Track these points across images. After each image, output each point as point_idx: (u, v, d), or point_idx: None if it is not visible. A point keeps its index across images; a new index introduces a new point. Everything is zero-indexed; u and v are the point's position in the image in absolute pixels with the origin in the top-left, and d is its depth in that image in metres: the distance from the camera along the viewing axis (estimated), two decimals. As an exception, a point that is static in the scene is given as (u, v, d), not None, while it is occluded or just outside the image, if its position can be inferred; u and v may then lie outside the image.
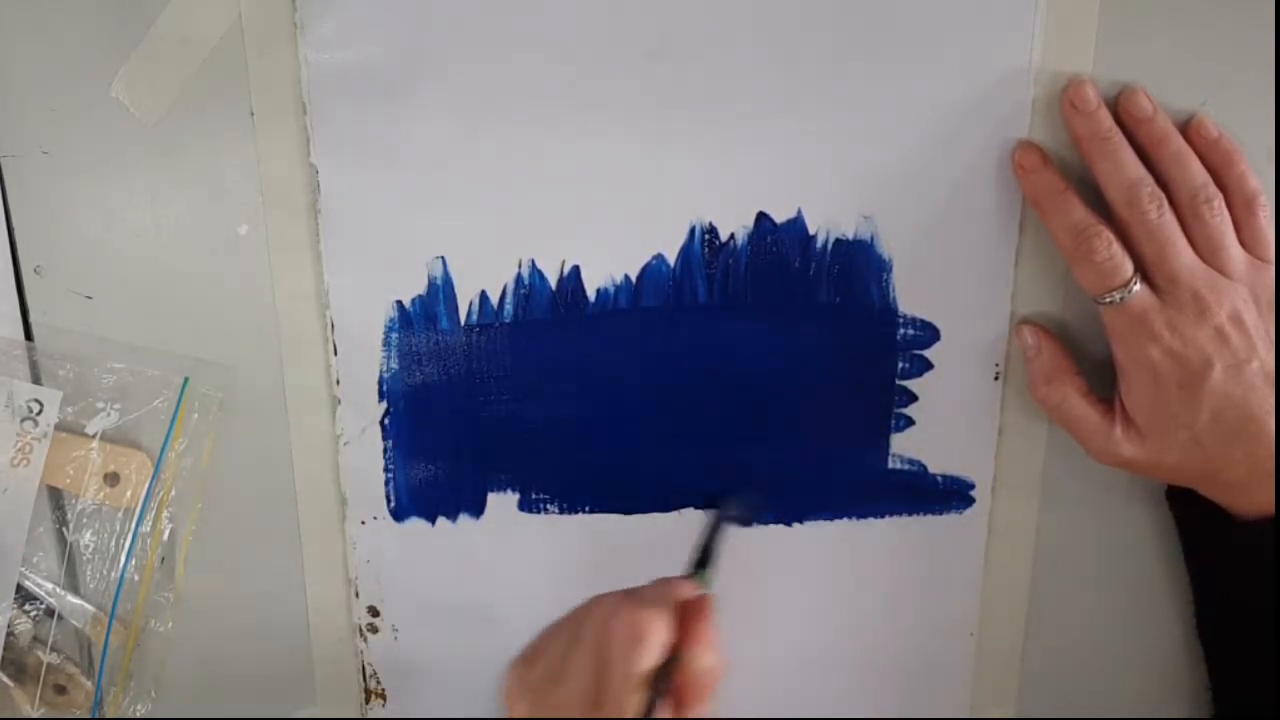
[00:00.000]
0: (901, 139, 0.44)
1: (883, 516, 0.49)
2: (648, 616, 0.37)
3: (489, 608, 0.50)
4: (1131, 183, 0.42)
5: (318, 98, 0.43)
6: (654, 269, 0.46)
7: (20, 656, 0.48)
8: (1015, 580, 0.51)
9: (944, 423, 0.48)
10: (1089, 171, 0.43)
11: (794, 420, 0.48)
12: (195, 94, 0.43)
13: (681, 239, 0.45)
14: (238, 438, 0.47)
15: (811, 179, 0.45)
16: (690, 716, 0.38)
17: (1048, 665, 0.52)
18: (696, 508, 0.49)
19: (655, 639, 0.37)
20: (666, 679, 0.37)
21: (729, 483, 0.48)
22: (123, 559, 0.48)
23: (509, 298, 0.46)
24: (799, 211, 0.45)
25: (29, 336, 0.45)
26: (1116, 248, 0.42)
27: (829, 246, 0.46)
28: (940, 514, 0.49)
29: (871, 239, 0.46)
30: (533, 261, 0.45)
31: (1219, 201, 0.42)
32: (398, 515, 0.48)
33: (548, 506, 0.49)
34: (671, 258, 0.46)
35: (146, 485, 0.47)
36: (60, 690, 0.49)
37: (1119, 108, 0.43)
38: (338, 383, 0.46)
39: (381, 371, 0.46)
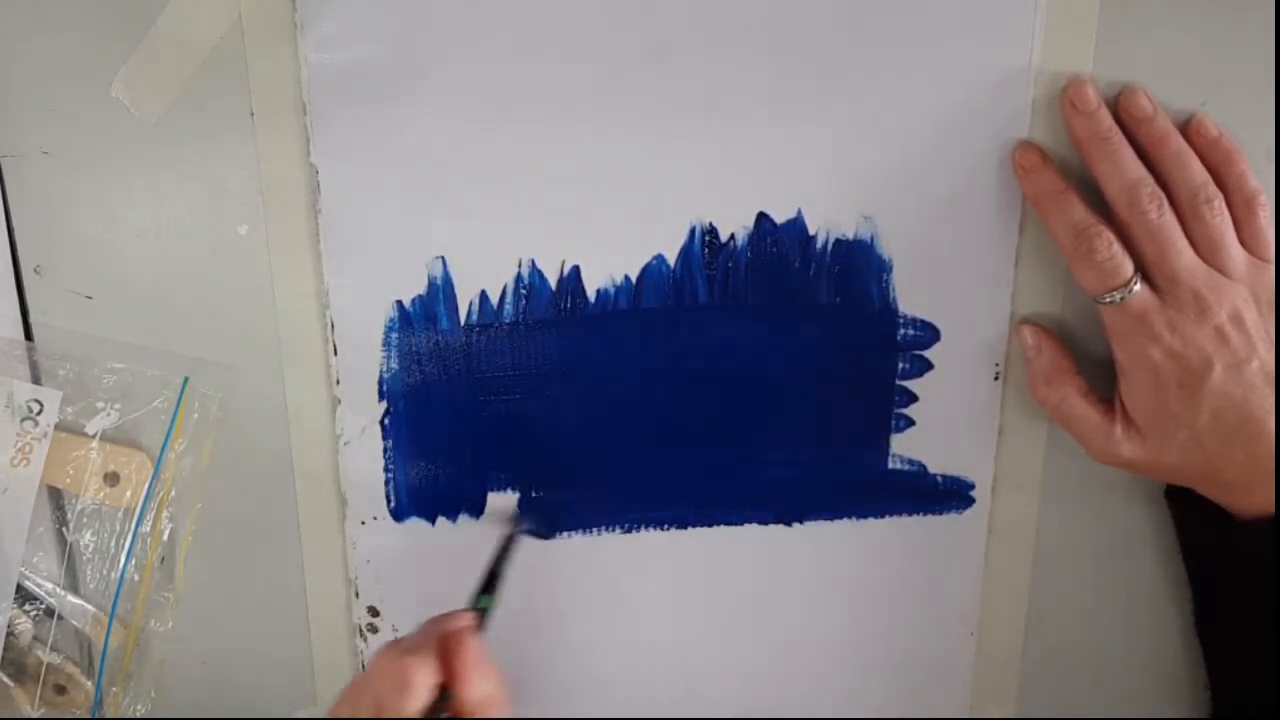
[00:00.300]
0: (901, 139, 0.44)
1: (883, 516, 0.49)
2: (410, 663, 0.38)
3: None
4: (1132, 183, 0.42)
5: (318, 98, 0.43)
6: (654, 269, 0.46)
7: (20, 656, 0.48)
8: (1015, 580, 0.51)
9: (944, 423, 0.48)
10: (1089, 171, 0.43)
11: (794, 420, 0.48)
12: (195, 94, 0.43)
13: (681, 239, 0.45)
14: (238, 438, 0.47)
15: (811, 179, 0.45)
16: None
17: (1048, 665, 0.52)
18: (696, 525, 0.49)
19: (419, 684, 0.38)
20: (440, 715, 0.39)
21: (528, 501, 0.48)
22: (123, 559, 0.48)
23: (509, 298, 0.46)
24: (799, 211, 0.45)
25: (29, 336, 0.45)
26: (1117, 248, 0.42)
27: (829, 246, 0.46)
28: (940, 514, 0.49)
29: (871, 239, 0.46)
30: (533, 261, 0.45)
31: (1219, 201, 0.42)
32: (398, 515, 0.48)
33: (547, 507, 0.49)
34: (671, 258, 0.46)
35: (146, 485, 0.47)
36: (60, 690, 0.49)
37: (1119, 108, 0.43)
38: (338, 383, 0.46)
39: (381, 371, 0.46)
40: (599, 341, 0.46)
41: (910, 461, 0.49)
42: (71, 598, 0.48)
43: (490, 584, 0.44)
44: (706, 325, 0.46)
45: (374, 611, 0.50)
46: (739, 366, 0.47)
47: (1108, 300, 0.42)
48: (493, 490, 0.48)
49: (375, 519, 0.48)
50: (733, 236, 0.45)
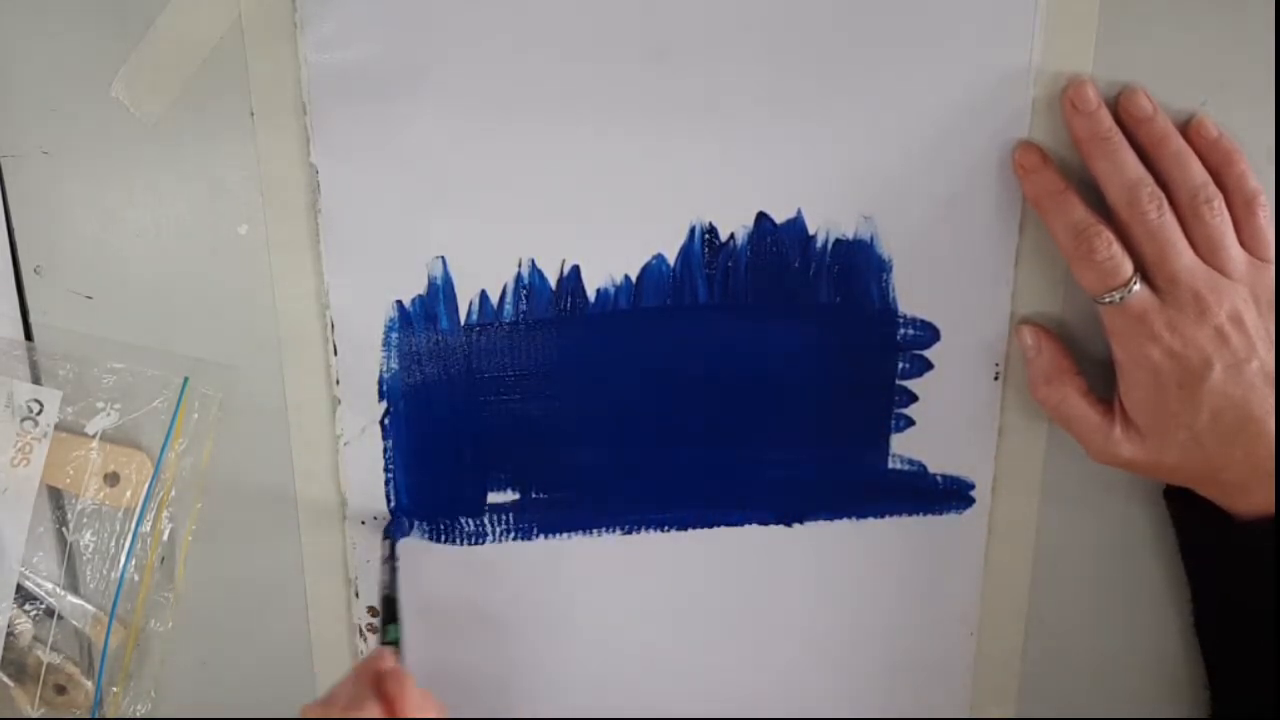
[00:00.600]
0: (901, 139, 0.44)
1: (883, 516, 0.49)
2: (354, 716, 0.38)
3: (489, 607, 0.50)
4: (1131, 183, 0.42)
5: (318, 98, 0.43)
6: (654, 269, 0.46)
7: (20, 656, 0.48)
8: (1015, 580, 0.51)
9: (944, 423, 0.48)
10: (1089, 171, 0.43)
11: (794, 420, 0.48)
12: (195, 94, 0.43)
13: (681, 239, 0.45)
14: (238, 438, 0.47)
15: (811, 179, 0.45)
16: None
17: (1048, 665, 0.52)
18: (696, 526, 0.49)
19: None
20: None
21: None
22: (123, 559, 0.48)
23: (509, 298, 0.46)
24: (799, 211, 0.45)
25: (29, 336, 0.45)
26: (1116, 248, 0.42)
27: (829, 246, 0.46)
28: (940, 514, 0.49)
29: (871, 239, 0.46)
30: (533, 261, 0.45)
31: (1219, 201, 0.42)
32: (397, 515, 0.48)
33: (548, 508, 0.49)
34: (671, 258, 0.46)
35: (146, 485, 0.47)
36: (60, 690, 0.49)
37: (1119, 108, 0.43)
38: (338, 383, 0.46)
39: (381, 371, 0.46)
40: (599, 341, 0.46)
41: (910, 461, 0.49)
42: (71, 598, 0.48)
43: (391, 612, 0.44)
44: (706, 325, 0.46)
45: (374, 611, 0.50)
46: (739, 366, 0.47)
47: (1107, 300, 0.42)
48: (493, 490, 0.48)
49: (375, 519, 0.48)
50: (733, 236, 0.45)
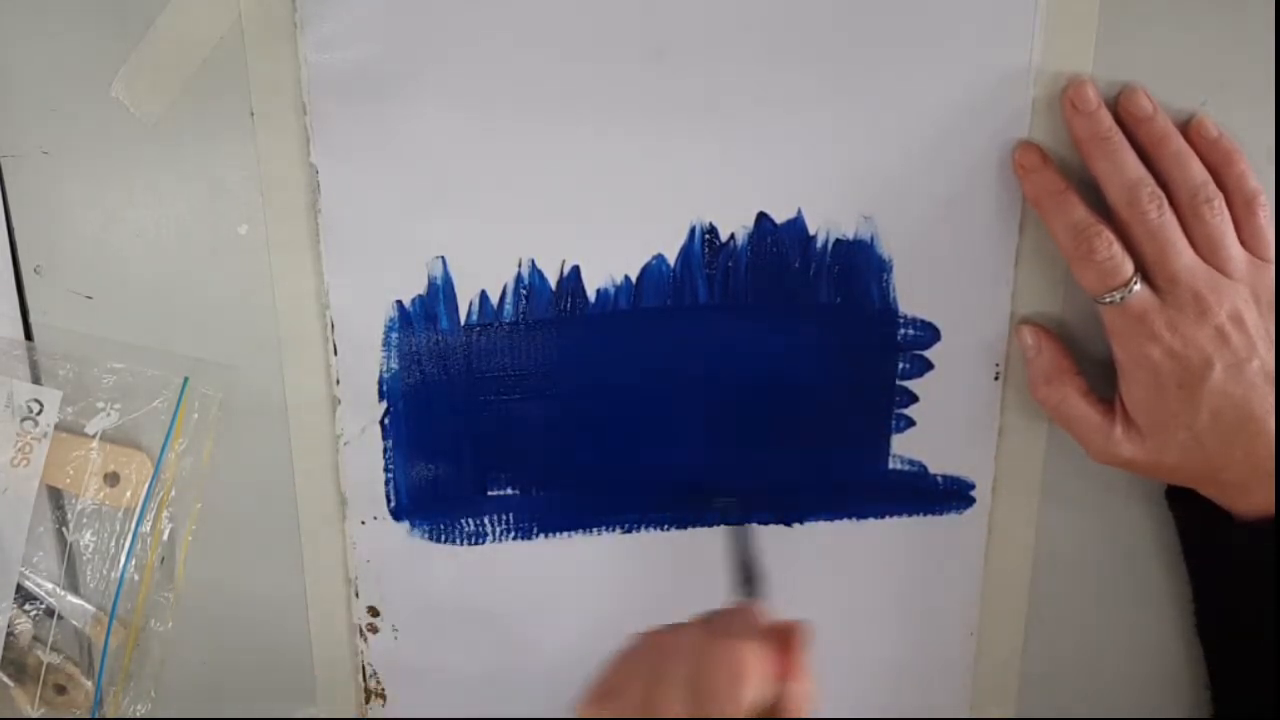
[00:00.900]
0: (901, 139, 0.44)
1: (883, 516, 0.49)
2: (747, 651, 0.36)
3: (489, 607, 0.50)
4: (1132, 183, 0.42)
5: (318, 98, 0.43)
6: (654, 269, 0.46)
7: (20, 656, 0.48)
8: (1015, 580, 0.51)
9: (944, 423, 0.48)
10: (1089, 171, 0.43)
11: (794, 420, 0.48)
12: (195, 94, 0.43)
13: (681, 239, 0.45)
14: (238, 438, 0.47)
15: (811, 179, 0.45)
16: None
17: (1048, 665, 0.52)
18: (696, 526, 0.49)
19: (757, 674, 0.35)
20: (766, 712, 0.36)
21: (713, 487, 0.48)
22: (123, 559, 0.48)
23: (509, 298, 0.46)
24: (799, 211, 0.45)
25: (29, 336, 0.45)
26: (1117, 247, 0.42)
27: (829, 246, 0.46)
28: (940, 514, 0.49)
29: (871, 239, 0.46)
30: (533, 261, 0.45)
31: (1219, 201, 0.42)
32: (397, 515, 0.48)
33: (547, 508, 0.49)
34: (671, 258, 0.46)
35: (146, 485, 0.47)
36: (60, 690, 0.49)
37: (1119, 108, 0.43)
38: (338, 383, 0.46)
39: (381, 371, 0.46)
40: (599, 341, 0.46)
41: (910, 461, 0.49)
42: (71, 598, 0.48)
43: (751, 577, 0.43)
44: (706, 325, 0.46)
45: (374, 611, 0.50)
46: (739, 366, 0.47)
47: (1108, 300, 0.42)
48: (493, 490, 0.48)
49: (375, 519, 0.48)
50: (733, 236, 0.45)
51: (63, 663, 0.49)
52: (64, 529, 0.48)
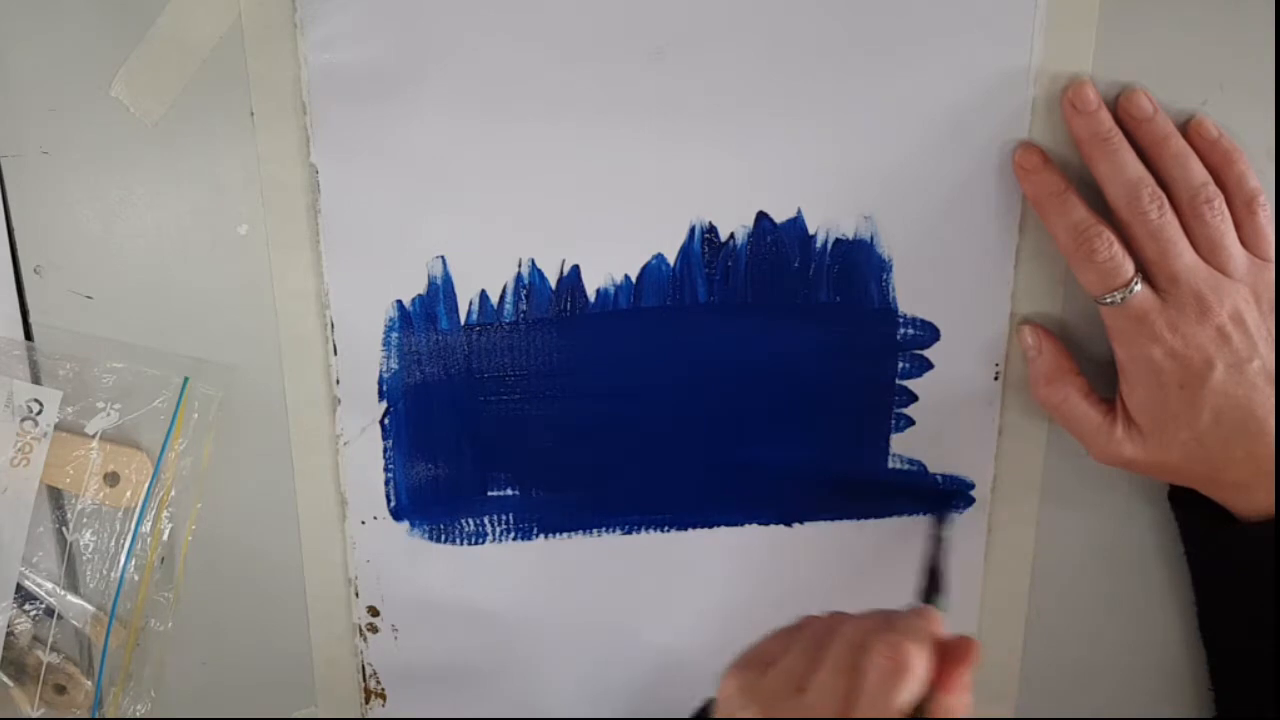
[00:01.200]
0: (901, 139, 0.44)
1: (883, 516, 0.49)
2: (911, 650, 0.35)
3: (489, 607, 0.50)
4: (1132, 183, 0.42)
5: (318, 98, 0.43)
6: (654, 269, 0.46)
7: (20, 656, 0.48)
8: (1015, 580, 0.51)
9: (944, 423, 0.48)
10: (1089, 172, 0.43)
11: (794, 420, 0.48)
12: (195, 94, 0.43)
13: (681, 239, 0.45)
14: (238, 438, 0.47)
15: (811, 179, 0.45)
16: None
17: (1048, 665, 0.52)
18: (696, 526, 0.49)
19: (917, 674, 0.35)
20: (918, 716, 0.36)
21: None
22: (123, 559, 0.48)
23: (509, 298, 0.46)
24: (799, 211, 0.45)
25: (29, 336, 0.45)
26: (1117, 248, 0.42)
27: (829, 246, 0.46)
28: (940, 514, 0.49)
29: (871, 239, 0.46)
30: (533, 261, 0.45)
31: (1220, 201, 0.42)
32: (397, 515, 0.48)
33: (547, 509, 0.49)
34: (671, 258, 0.46)
35: (146, 485, 0.47)
36: (60, 690, 0.49)
37: (1119, 108, 0.43)
38: (338, 383, 0.46)
39: (381, 371, 0.46)
40: (599, 341, 0.46)
41: (910, 461, 0.49)
42: (71, 598, 0.48)
43: (936, 584, 0.43)
44: (706, 325, 0.46)
45: (374, 611, 0.50)
46: (739, 366, 0.47)
47: (1108, 301, 0.42)
48: (493, 490, 0.48)
49: (375, 519, 0.48)
50: (732, 236, 0.45)
51: (63, 663, 0.49)
52: (64, 529, 0.48)
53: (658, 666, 0.52)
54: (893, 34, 0.43)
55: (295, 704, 0.51)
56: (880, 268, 0.46)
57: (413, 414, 0.47)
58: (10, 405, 0.45)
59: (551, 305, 0.46)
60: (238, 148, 0.43)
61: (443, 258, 0.45)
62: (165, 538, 0.48)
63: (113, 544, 0.48)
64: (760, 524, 0.49)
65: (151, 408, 0.46)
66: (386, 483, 0.48)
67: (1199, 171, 0.42)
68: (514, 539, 0.49)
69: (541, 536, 0.49)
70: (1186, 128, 0.43)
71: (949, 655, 0.36)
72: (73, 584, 0.48)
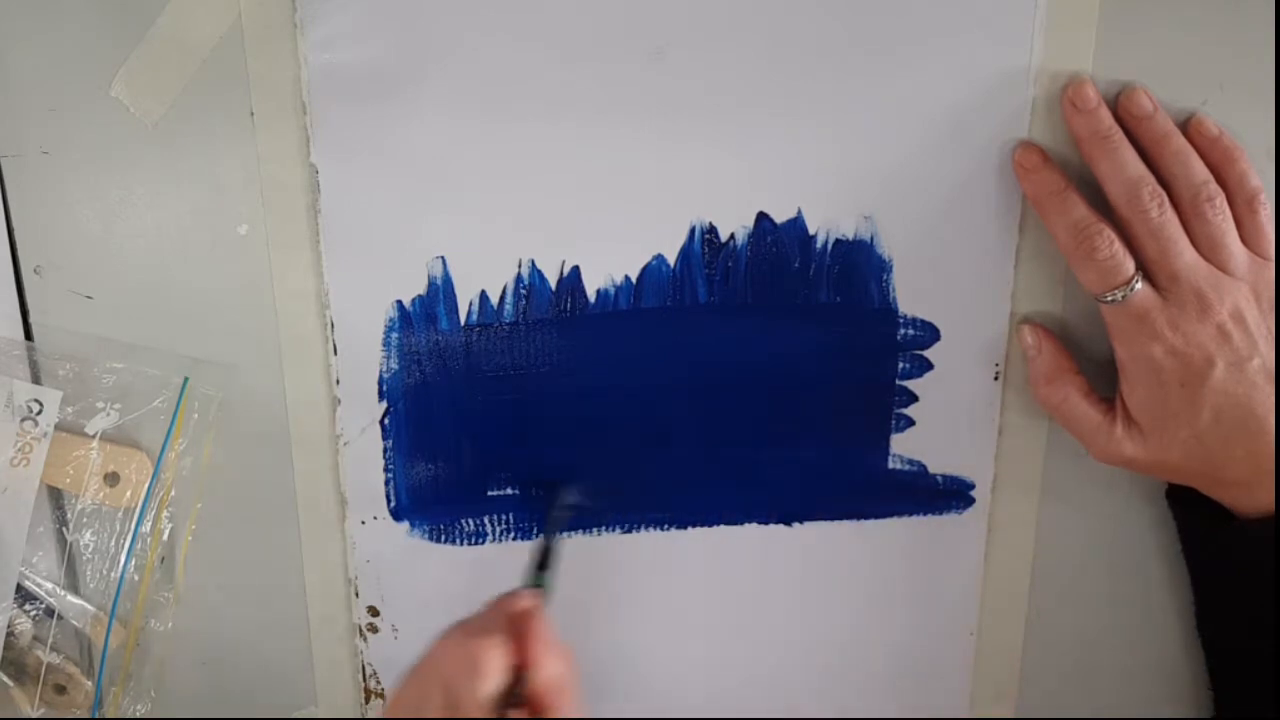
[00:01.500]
0: (901, 139, 0.44)
1: (883, 516, 0.49)
2: (480, 645, 0.37)
3: (489, 608, 0.50)
4: (1132, 181, 0.42)
5: (318, 98, 0.43)
6: (654, 269, 0.46)
7: (20, 656, 0.48)
8: (1015, 580, 0.51)
9: (944, 423, 0.48)
10: (1089, 171, 0.43)
11: (794, 420, 0.48)
12: (195, 94, 0.43)
13: (681, 239, 0.45)
14: (238, 438, 0.47)
15: (811, 179, 0.45)
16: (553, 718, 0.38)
17: (1048, 665, 0.52)
18: (695, 526, 0.49)
19: (492, 666, 0.37)
20: (515, 697, 0.38)
21: (572, 472, 0.48)
22: (123, 559, 0.48)
23: (509, 298, 0.46)
24: (799, 211, 0.45)
25: (29, 336, 0.45)
26: (1118, 246, 0.42)
27: (829, 246, 0.46)
28: (940, 514, 0.49)
29: (871, 239, 0.46)
30: (533, 261, 0.45)
31: (1220, 199, 0.42)
32: (397, 515, 0.48)
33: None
34: (671, 258, 0.46)
35: (146, 485, 0.47)
36: (60, 690, 0.49)
37: (1119, 106, 0.43)
38: (338, 383, 0.46)
39: (381, 371, 0.46)
40: (599, 342, 0.46)
41: (910, 461, 0.49)
42: (71, 598, 0.48)
43: (545, 560, 0.44)
44: (706, 325, 0.46)
45: (374, 611, 0.50)
46: (739, 366, 0.47)
47: (1109, 299, 0.42)
48: (493, 490, 0.48)
49: (375, 519, 0.48)
50: (732, 236, 0.45)
51: (63, 663, 0.49)
52: (64, 529, 0.48)
53: (658, 665, 0.52)
54: (893, 34, 0.43)
55: (295, 704, 0.51)
56: (880, 268, 0.46)
57: (413, 414, 0.47)
58: (10, 405, 0.45)
59: (551, 305, 0.46)
60: (238, 148, 0.43)
61: (443, 258, 0.45)
62: (165, 538, 0.48)
63: (113, 544, 0.48)
64: (760, 524, 0.49)
65: (151, 408, 0.46)
66: (386, 483, 0.48)
67: (1200, 170, 0.42)
68: (514, 539, 0.49)
69: (541, 537, 0.49)
70: (1187, 126, 0.43)
71: (522, 629, 0.38)
72: (73, 584, 0.48)
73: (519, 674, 0.38)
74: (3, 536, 0.46)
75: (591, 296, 0.46)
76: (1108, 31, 0.43)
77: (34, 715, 0.49)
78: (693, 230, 0.45)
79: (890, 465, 0.49)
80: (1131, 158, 0.42)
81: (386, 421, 0.47)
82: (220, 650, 0.50)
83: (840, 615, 0.51)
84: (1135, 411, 0.43)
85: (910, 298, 0.46)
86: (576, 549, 0.49)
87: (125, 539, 0.48)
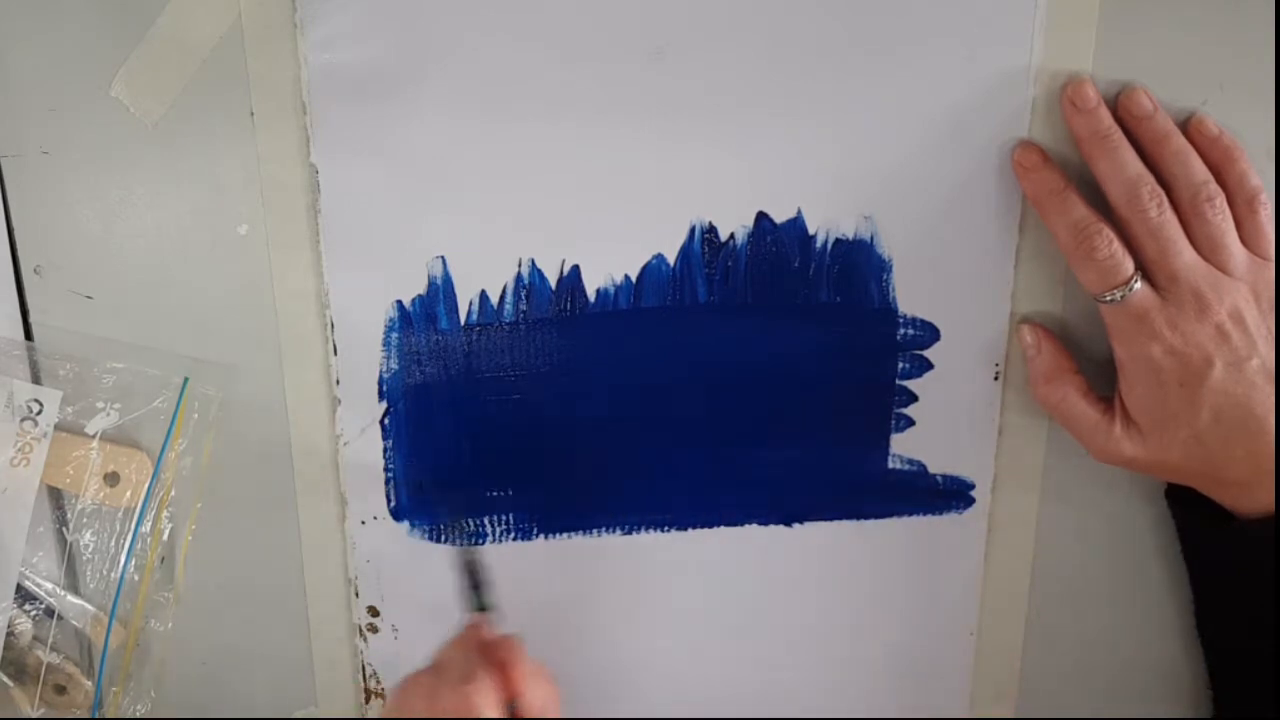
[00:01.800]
0: (901, 139, 0.44)
1: (883, 516, 0.49)
2: (470, 691, 0.37)
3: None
4: (1132, 181, 0.42)
5: (318, 98, 0.43)
6: (654, 269, 0.46)
7: (20, 656, 0.48)
8: (1015, 580, 0.51)
9: (944, 423, 0.48)
10: (1089, 170, 0.43)
11: (794, 420, 0.48)
12: (195, 94, 0.43)
13: (681, 239, 0.45)
14: (238, 438, 0.47)
15: (811, 179, 0.45)
16: None
17: (1048, 665, 0.52)
18: (695, 526, 0.49)
19: (487, 708, 0.37)
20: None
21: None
22: (123, 559, 0.48)
23: (509, 298, 0.46)
24: (799, 211, 0.45)
25: (29, 336, 0.45)
26: (1117, 246, 0.42)
27: (829, 246, 0.46)
28: (940, 514, 0.49)
29: (871, 239, 0.46)
30: (533, 261, 0.45)
31: (1220, 199, 0.42)
32: (397, 515, 0.48)
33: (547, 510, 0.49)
34: (671, 258, 0.46)
35: (146, 485, 0.47)
36: (60, 690, 0.49)
37: (1119, 106, 0.43)
38: (338, 383, 0.46)
39: (381, 371, 0.46)
40: (599, 341, 0.46)
41: (910, 461, 0.49)
42: (71, 598, 0.48)
43: (476, 578, 0.44)
44: (706, 325, 0.46)
45: (374, 611, 0.50)
46: (739, 366, 0.47)
47: (1108, 299, 0.42)
48: (492, 490, 0.48)
49: (375, 519, 0.48)
50: (732, 236, 0.45)
51: (63, 663, 0.49)
52: (64, 529, 0.48)
53: (658, 666, 0.52)
54: (893, 34, 0.43)
55: (295, 704, 0.51)
56: (880, 268, 0.46)
57: (413, 414, 0.47)
58: (10, 405, 0.45)
59: (551, 305, 0.46)
60: (238, 148, 0.43)
61: (443, 258, 0.45)
62: (165, 538, 0.48)
63: (113, 544, 0.48)
64: (760, 524, 0.49)
65: (151, 408, 0.46)
66: (386, 483, 0.48)
67: (1200, 169, 0.42)
68: (514, 539, 0.49)
69: (541, 536, 0.49)
70: (1187, 126, 0.43)
71: (501, 658, 0.39)
72: (73, 584, 0.48)
73: (508, 704, 0.38)
74: (3, 536, 0.46)
75: (591, 296, 0.46)
76: (1108, 31, 0.43)
77: (34, 715, 0.49)
78: (693, 230, 0.45)
79: (890, 465, 0.49)
80: (1131, 157, 0.42)
81: (386, 421, 0.47)
82: (220, 650, 0.50)
83: (840, 615, 0.51)
84: (1134, 411, 0.43)
85: (910, 298, 0.46)
86: (577, 549, 0.49)
87: (125, 539, 0.48)
